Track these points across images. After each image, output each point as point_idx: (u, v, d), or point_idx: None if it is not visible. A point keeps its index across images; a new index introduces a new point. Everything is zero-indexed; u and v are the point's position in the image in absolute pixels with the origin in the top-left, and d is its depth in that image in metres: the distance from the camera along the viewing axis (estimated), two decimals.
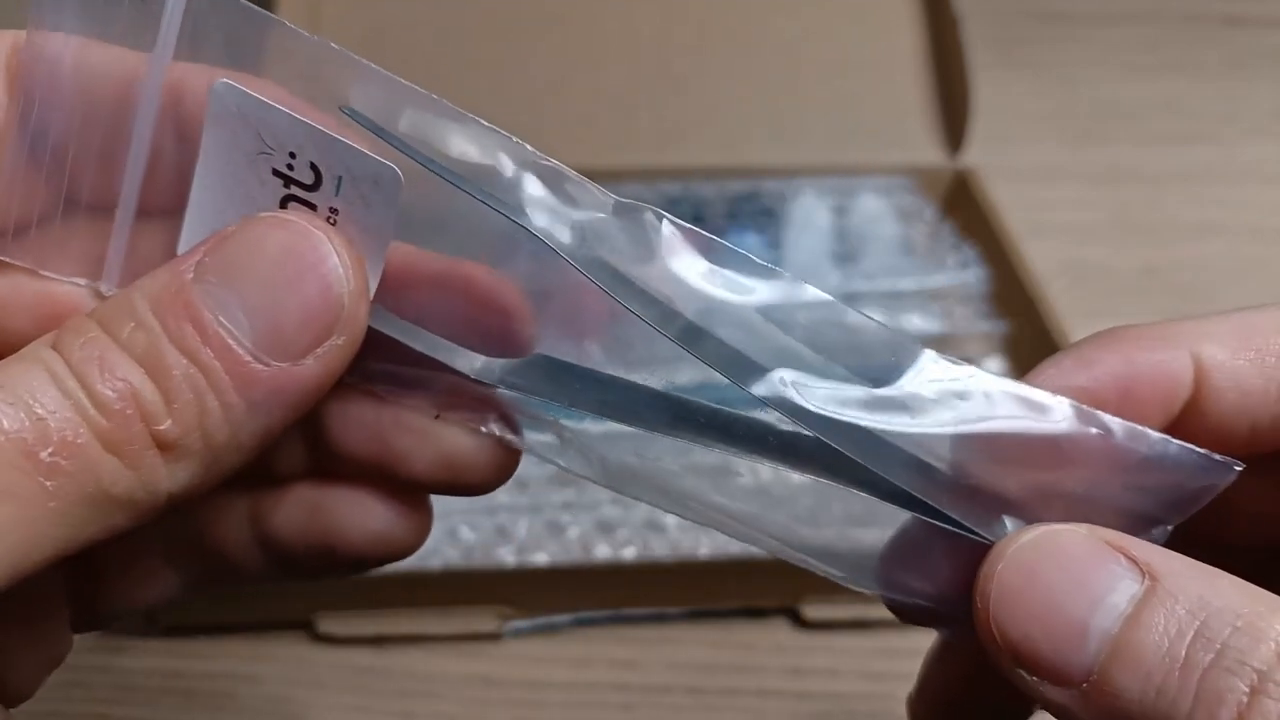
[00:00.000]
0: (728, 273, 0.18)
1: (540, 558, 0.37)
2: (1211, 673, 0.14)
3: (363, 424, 0.20)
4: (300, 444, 0.21)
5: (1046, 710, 0.16)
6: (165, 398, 0.16)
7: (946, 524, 0.18)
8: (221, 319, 0.16)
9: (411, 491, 0.21)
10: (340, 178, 0.18)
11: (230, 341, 0.16)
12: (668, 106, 0.54)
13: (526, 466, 0.40)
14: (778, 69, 0.55)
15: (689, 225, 0.18)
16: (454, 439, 0.20)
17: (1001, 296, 0.48)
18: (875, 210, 0.51)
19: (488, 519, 0.38)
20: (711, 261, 0.18)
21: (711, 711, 0.37)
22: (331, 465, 0.21)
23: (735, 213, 0.51)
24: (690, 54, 0.55)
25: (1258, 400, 0.18)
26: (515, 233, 0.18)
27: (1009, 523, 0.18)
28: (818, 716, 0.37)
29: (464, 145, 0.19)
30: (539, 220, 0.18)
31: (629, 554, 0.38)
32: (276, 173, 0.18)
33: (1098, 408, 0.17)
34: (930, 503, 0.18)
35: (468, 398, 0.20)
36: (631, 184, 0.51)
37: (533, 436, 0.20)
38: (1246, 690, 0.14)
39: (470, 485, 0.20)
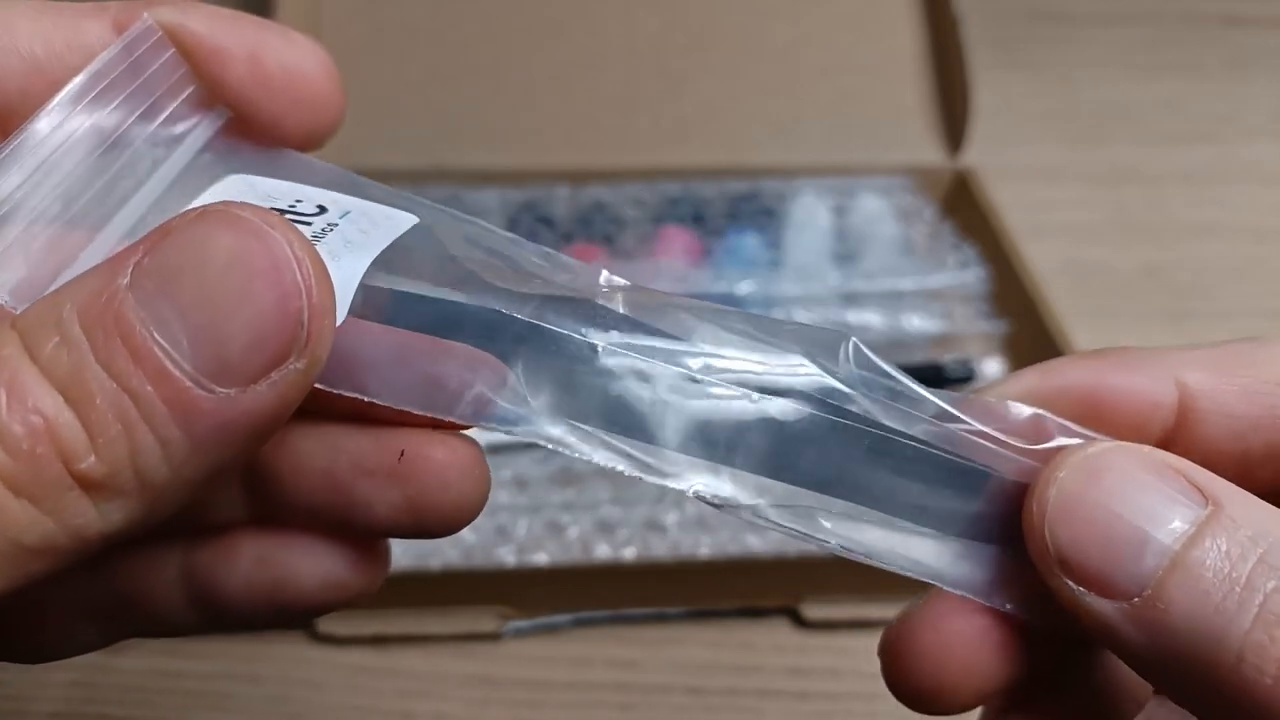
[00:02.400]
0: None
1: (540, 558, 0.37)
2: (1275, 596, 0.14)
3: (315, 470, 0.18)
4: (241, 490, 0.19)
5: (1086, 628, 0.16)
6: (89, 431, 0.13)
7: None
8: (157, 335, 0.14)
9: (364, 536, 0.19)
10: (348, 212, 0.17)
11: (167, 364, 0.14)
12: (668, 106, 0.54)
13: (527, 466, 0.40)
14: (778, 69, 0.55)
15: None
16: (420, 481, 0.18)
17: (1001, 296, 0.48)
18: (875, 210, 0.51)
19: (488, 519, 0.38)
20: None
21: (711, 711, 0.37)
22: (278, 513, 0.19)
23: (735, 213, 0.51)
24: (690, 54, 0.55)
25: (1247, 428, 0.17)
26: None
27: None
28: (818, 716, 0.37)
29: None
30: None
31: (629, 554, 0.38)
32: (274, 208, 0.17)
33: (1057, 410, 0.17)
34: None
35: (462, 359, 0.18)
36: (632, 184, 0.51)
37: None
38: None
39: (435, 527, 0.19)
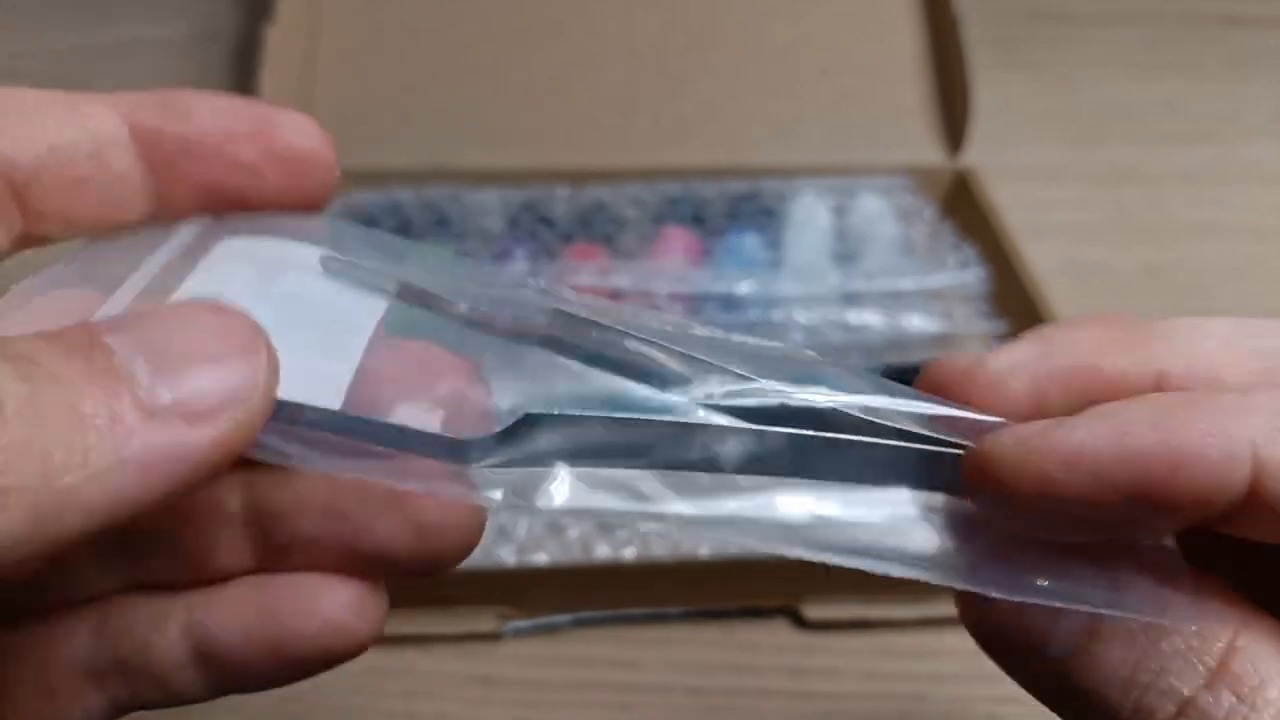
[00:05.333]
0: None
1: (540, 558, 0.37)
2: None
3: (317, 504, 0.19)
4: (243, 535, 0.19)
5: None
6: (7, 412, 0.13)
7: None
8: (119, 356, 0.15)
9: (367, 572, 0.19)
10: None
11: (120, 375, 0.14)
12: (668, 106, 0.54)
13: None
14: (778, 69, 0.55)
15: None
16: (423, 502, 0.19)
17: (1001, 296, 0.48)
18: (875, 210, 0.51)
19: (488, 519, 0.38)
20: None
21: (711, 711, 0.37)
22: (281, 555, 0.19)
23: (735, 213, 0.51)
24: (690, 54, 0.55)
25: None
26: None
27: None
28: (818, 716, 0.37)
29: None
30: None
31: (629, 554, 0.38)
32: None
33: (1047, 400, 0.17)
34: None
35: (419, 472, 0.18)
36: (632, 184, 0.51)
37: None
38: None
39: (441, 554, 0.19)
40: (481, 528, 0.19)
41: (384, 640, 0.38)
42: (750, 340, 0.19)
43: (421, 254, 0.20)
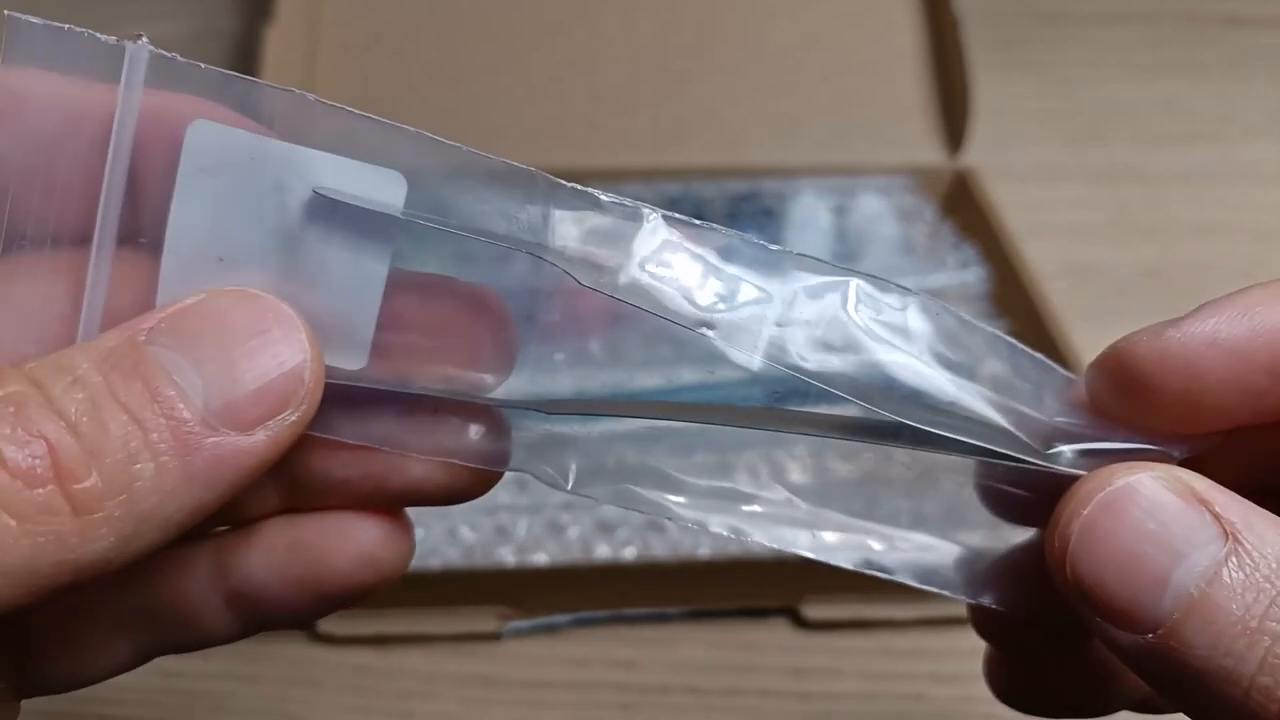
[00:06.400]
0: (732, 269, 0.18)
1: (540, 558, 0.37)
2: None
3: (350, 446, 0.19)
4: (274, 482, 0.19)
5: (1108, 647, 0.16)
6: (91, 452, 0.14)
7: (1001, 459, 0.17)
8: (174, 377, 0.15)
9: (393, 507, 0.20)
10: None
11: (180, 403, 0.15)
12: (668, 106, 0.54)
13: None
14: (778, 69, 0.55)
15: (687, 221, 0.18)
16: (452, 432, 0.19)
17: (1001, 296, 0.48)
18: (875, 210, 0.51)
19: (488, 519, 0.38)
20: (719, 259, 0.18)
21: (711, 711, 0.37)
22: (310, 495, 0.19)
23: (735, 213, 0.51)
24: (690, 54, 0.55)
25: None
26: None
27: (1067, 450, 0.17)
28: (818, 716, 0.37)
29: (476, 191, 0.18)
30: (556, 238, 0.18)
31: (629, 554, 0.38)
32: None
33: (1250, 366, 0.16)
34: (978, 442, 0.17)
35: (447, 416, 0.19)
36: (632, 184, 0.51)
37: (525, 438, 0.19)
38: None
39: (465, 487, 0.19)
40: (506, 458, 0.19)
41: (384, 640, 0.38)
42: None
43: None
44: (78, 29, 0.16)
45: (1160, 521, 0.15)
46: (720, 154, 0.53)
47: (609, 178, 0.52)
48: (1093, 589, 0.16)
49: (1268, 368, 0.16)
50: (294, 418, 0.16)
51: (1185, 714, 0.16)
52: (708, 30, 0.56)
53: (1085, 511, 0.16)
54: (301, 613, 0.20)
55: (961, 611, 0.38)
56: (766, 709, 0.37)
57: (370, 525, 0.19)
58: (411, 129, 0.17)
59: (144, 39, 0.16)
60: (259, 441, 0.16)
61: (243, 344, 0.16)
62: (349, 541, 0.19)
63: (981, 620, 0.23)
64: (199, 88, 0.16)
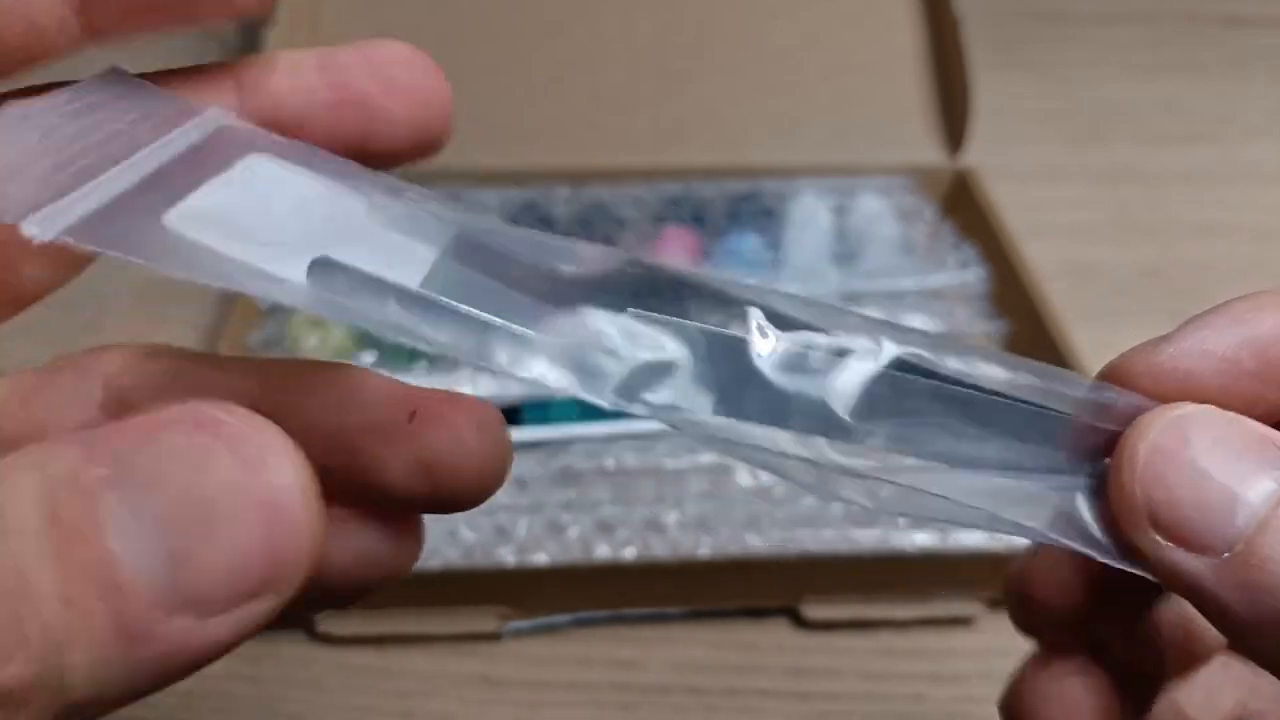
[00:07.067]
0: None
1: (540, 558, 0.37)
2: None
3: (325, 428, 0.17)
4: None
5: (1170, 584, 0.16)
6: (16, 634, 0.12)
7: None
8: (126, 545, 0.12)
9: (393, 509, 0.18)
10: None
11: (127, 578, 0.12)
12: (668, 106, 0.54)
13: (526, 466, 0.40)
14: (778, 69, 0.55)
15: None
16: (433, 439, 0.17)
17: (1001, 296, 0.48)
18: (875, 210, 0.51)
19: (488, 519, 0.38)
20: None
21: (711, 711, 0.37)
22: None
23: (735, 213, 0.51)
24: (690, 54, 0.55)
25: None
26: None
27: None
28: (817, 716, 0.37)
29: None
30: None
31: (629, 554, 0.38)
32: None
33: (1241, 372, 0.17)
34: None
35: None
36: (632, 184, 0.52)
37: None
38: None
39: (455, 495, 0.18)
40: (499, 469, 0.18)
41: (384, 640, 0.38)
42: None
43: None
44: None
45: (1231, 444, 0.16)
46: (720, 154, 0.53)
47: (609, 178, 0.52)
48: (1163, 509, 0.15)
49: (1258, 373, 0.17)
50: (266, 606, 0.13)
51: (1250, 653, 0.16)
52: (708, 30, 0.56)
53: (1153, 434, 0.16)
54: (309, 604, 0.19)
55: (961, 611, 0.38)
56: (766, 709, 0.37)
57: (368, 526, 0.18)
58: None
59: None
60: (222, 631, 0.13)
61: (217, 506, 0.12)
62: (349, 541, 0.18)
63: (1023, 608, 0.22)
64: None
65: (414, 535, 0.19)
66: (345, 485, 0.18)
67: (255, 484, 0.13)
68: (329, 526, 0.16)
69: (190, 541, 0.12)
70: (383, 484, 0.17)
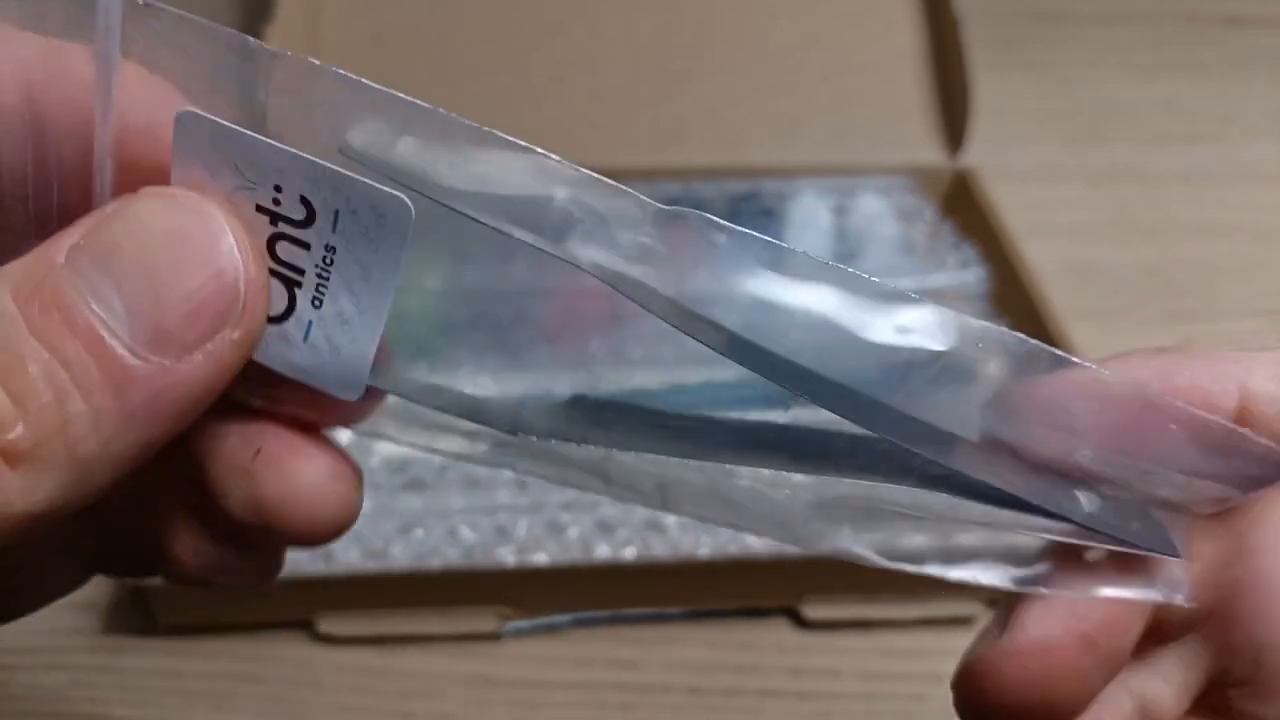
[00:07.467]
0: (784, 277, 0.17)
1: (540, 558, 0.37)
2: None
3: (188, 457, 0.18)
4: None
5: None
6: (16, 399, 0.13)
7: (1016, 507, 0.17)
8: (94, 306, 0.14)
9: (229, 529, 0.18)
10: (337, 211, 0.15)
11: (103, 332, 0.14)
12: (668, 106, 0.54)
13: None
14: (778, 69, 0.55)
15: (740, 229, 0.17)
16: (265, 482, 0.17)
17: (1001, 296, 0.48)
18: (875, 210, 0.51)
19: (488, 519, 0.38)
20: (766, 267, 0.17)
21: (711, 711, 0.37)
22: (153, 495, 0.18)
23: (735, 213, 0.51)
24: (690, 54, 0.55)
25: None
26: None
27: (1083, 498, 0.17)
28: (818, 716, 0.37)
29: (485, 166, 0.17)
30: (575, 247, 0.17)
31: (629, 554, 0.38)
32: (261, 209, 0.15)
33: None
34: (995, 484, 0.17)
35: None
36: (631, 184, 0.51)
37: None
38: None
39: (285, 532, 0.18)
40: (338, 520, 0.18)
41: (384, 640, 0.38)
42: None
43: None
44: None
45: None
46: (720, 154, 0.53)
47: (608, 178, 0.52)
48: None
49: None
50: (234, 336, 0.15)
51: None
52: (708, 30, 0.56)
53: None
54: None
55: (961, 611, 0.38)
56: (766, 709, 0.37)
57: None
58: (425, 105, 0.17)
59: None
60: (198, 367, 0.14)
61: (166, 256, 0.14)
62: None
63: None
64: (187, 40, 0.15)
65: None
66: (199, 506, 0.18)
67: (195, 229, 0.15)
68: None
69: (148, 287, 0.14)
70: (226, 510, 0.18)
